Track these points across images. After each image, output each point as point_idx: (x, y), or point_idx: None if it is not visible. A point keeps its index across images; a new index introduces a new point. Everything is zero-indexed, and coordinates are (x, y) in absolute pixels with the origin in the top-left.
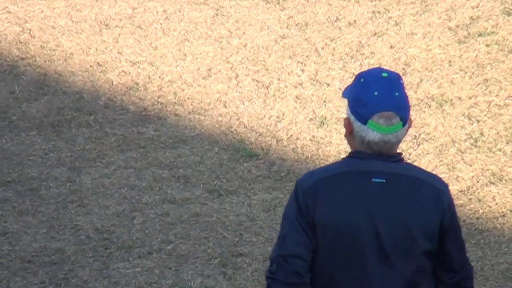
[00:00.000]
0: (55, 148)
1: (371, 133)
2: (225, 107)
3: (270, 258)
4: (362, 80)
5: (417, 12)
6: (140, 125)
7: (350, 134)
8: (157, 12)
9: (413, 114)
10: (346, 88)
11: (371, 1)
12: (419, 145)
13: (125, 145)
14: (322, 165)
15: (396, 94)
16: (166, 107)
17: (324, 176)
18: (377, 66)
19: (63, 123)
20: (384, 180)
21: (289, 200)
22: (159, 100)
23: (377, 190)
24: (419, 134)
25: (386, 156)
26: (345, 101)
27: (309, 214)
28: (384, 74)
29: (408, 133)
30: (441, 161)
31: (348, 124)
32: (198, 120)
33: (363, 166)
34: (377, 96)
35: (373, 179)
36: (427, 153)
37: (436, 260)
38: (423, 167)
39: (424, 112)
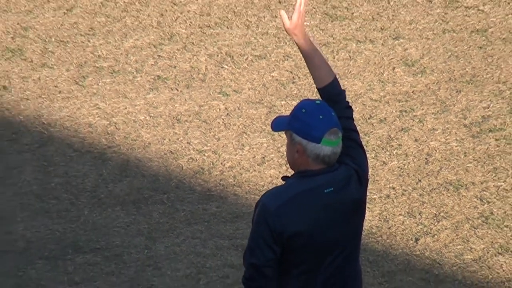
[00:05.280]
0: (135, 221)
1: (325, 148)
2: None
3: (244, 265)
4: (303, 110)
5: (438, 111)
6: (205, 203)
7: (302, 156)
8: (219, 109)
9: (433, 196)
10: (281, 124)
11: (399, 102)
12: (439, 221)
13: (192, 219)
14: None
15: (333, 114)
16: (226, 188)
17: (286, 199)
18: (403, 155)
19: (142, 200)
20: (332, 189)
21: (257, 218)
22: (221, 182)
23: (329, 198)
24: (439, 213)
25: (332, 167)
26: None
27: (277, 234)
28: (318, 102)
29: (429, 211)
30: (457, 235)
31: (300, 148)
32: (254, 199)
33: (314, 182)
34: (322, 119)
35: (325, 191)
36: (446, 228)
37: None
38: (442, 241)
39: (443, 194)
